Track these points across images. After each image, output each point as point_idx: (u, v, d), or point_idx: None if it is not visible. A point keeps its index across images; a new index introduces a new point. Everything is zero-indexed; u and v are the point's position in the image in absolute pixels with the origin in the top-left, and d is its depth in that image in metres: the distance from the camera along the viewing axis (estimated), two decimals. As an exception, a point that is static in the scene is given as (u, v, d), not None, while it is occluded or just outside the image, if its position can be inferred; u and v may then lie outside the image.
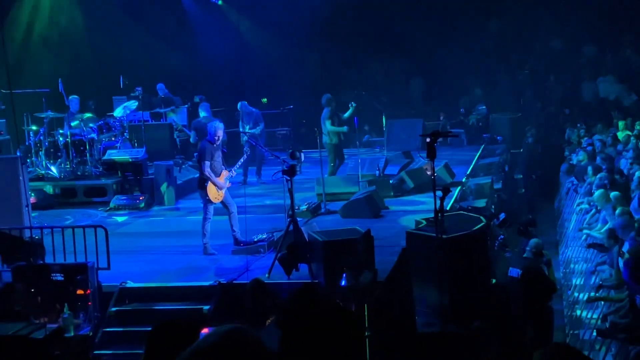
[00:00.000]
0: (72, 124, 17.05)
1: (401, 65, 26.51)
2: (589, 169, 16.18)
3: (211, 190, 11.63)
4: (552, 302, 11.09)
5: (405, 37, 25.97)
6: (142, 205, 15.53)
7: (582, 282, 12.61)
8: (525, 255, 11.09)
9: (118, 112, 18.02)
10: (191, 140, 17.06)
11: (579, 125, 21.80)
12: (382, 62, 26.71)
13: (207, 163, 11.60)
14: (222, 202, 11.79)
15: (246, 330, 1.95)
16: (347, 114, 16.74)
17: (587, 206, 14.82)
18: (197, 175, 12.28)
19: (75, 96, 17.75)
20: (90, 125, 17.06)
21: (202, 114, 16.97)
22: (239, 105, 17.90)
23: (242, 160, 12.83)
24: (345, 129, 16.65)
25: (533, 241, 11.15)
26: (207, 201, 11.71)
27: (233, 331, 1.95)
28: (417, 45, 25.98)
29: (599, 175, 15.30)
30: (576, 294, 12.46)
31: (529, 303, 10.31)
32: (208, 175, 11.58)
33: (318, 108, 17.16)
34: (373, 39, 25.94)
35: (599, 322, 10.22)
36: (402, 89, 26.74)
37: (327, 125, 16.40)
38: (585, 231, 13.70)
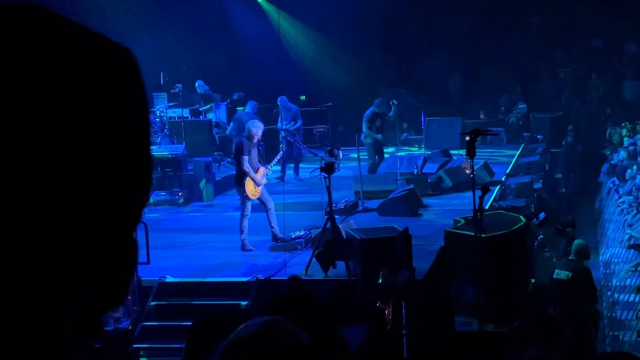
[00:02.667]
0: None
1: (440, 63, 26.37)
2: (632, 169, 15.98)
3: (249, 186, 11.67)
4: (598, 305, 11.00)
5: (444, 34, 25.84)
6: (182, 201, 15.65)
7: (622, 284, 12.47)
8: (570, 257, 10.92)
9: (158, 109, 18.19)
10: (227, 131, 16.98)
11: (622, 124, 21.50)
12: (421, 60, 26.60)
13: (246, 158, 11.63)
14: (259, 198, 11.83)
15: (285, 322, 1.96)
16: (392, 113, 16.72)
17: (627, 206, 14.64)
18: (235, 171, 12.32)
19: None
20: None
21: (247, 109, 16.99)
22: (278, 100, 17.91)
23: (278, 157, 12.87)
24: (379, 136, 16.61)
25: (576, 243, 10.95)
26: (245, 197, 11.75)
27: (272, 322, 1.96)
28: (457, 42, 25.81)
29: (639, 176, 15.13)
30: (616, 295, 12.32)
31: (577, 305, 10.19)
32: (247, 171, 11.61)
33: (356, 106, 17.15)
34: (412, 36, 25.84)
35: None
36: (441, 87, 26.60)
37: (364, 127, 16.40)
38: (627, 231, 13.54)
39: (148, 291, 10.27)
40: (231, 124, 16.91)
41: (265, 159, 12.61)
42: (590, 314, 10.23)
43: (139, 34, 21.93)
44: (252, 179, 11.66)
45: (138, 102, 1.02)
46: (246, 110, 16.70)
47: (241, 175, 11.70)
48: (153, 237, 11.05)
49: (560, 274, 10.42)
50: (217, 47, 23.59)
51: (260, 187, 11.81)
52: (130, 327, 9.73)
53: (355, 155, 14.82)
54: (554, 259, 12.30)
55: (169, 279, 10.55)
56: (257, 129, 11.90)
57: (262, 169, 11.90)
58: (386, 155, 17.30)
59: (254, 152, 11.91)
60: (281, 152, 13.11)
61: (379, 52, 25.50)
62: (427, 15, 25.77)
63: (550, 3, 26.71)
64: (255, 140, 11.89)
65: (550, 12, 26.80)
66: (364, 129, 16.40)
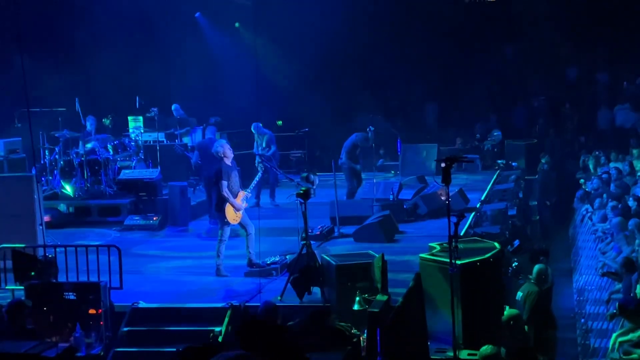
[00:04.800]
0: (88, 145, 17.11)
1: (416, 90, 26.54)
2: (604, 196, 16.11)
3: (229, 212, 11.61)
4: (555, 332, 11.05)
5: (420, 62, 26.03)
6: (156, 225, 15.54)
7: (596, 311, 12.51)
8: (531, 280, 11.03)
9: (133, 133, 18.12)
10: (192, 160, 16.87)
11: (597, 153, 21.68)
12: (397, 86, 26.75)
13: (225, 183, 11.58)
14: (240, 223, 11.77)
15: (251, 357, 1.97)
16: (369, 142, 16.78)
17: (601, 234, 14.73)
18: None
19: (92, 116, 17.83)
20: (106, 144, 17.14)
21: (208, 135, 16.89)
22: (252, 126, 17.90)
23: (256, 179, 12.79)
24: (358, 167, 16.66)
25: (537, 267, 11.09)
26: (225, 223, 11.68)
27: (239, 357, 1.98)
28: (433, 69, 26.02)
29: (611, 204, 15.24)
30: (590, 323, 12.36)
31: (533, 329, 10.31)
32: (226, 196, 11.56)
33: (333, 131, 17.17)
34: (388, 63, 26.00)
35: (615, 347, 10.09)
36: (417, 114, 26.75)
37: (344, 155, 16.43)
38: (601, 258, 13.61)
39: (121, 317, 10.16)
40: (195, 152, 16.73)
41: (242, 184, 12.56)
42: (534, 338, 10.26)
43: (115, 57, 21.89)
44: (232, 204, 11.60)
45: None
46: (208, 137, 16.56)
47: (221, 201, 11.64)
48: (126, 262, 10.97)
49: (518, 295, 10.60)
50: (194, 71, 23.58)
51: (240, 212, 11.76)
52: (102, 353, 9.61)
53: (332, 181, 14.83)
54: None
55: (142, 304, 10.45)
56: (223, 147, 11.87)
57: (241, 193, 11.85)
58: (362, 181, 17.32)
59: (234, 174, 11.86)
60: (259, 173, 13.04)
61: (356, 78, 25.63)
62: (403, 43, 25.95)
63: (525, 32, 27.00)
64: (230, 161, 11.85)
65: (524, 40, 27.08)
66: (344, 157, 16.44)
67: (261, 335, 5.62)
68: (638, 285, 10.93)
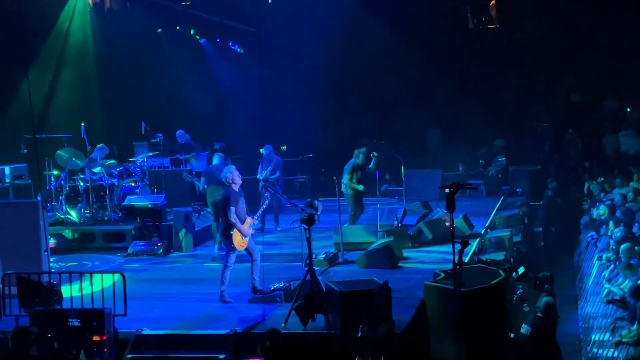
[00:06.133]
0: (95, 169, 17.16)
1: (420, 116, 26.62)
2: (607, 225, 16.08)
3: (236, 238, 11.64)
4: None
5: (424, 88, 26.14)
6: (160, 251, 15.55)
7: (601, 338, 12.45)
8: (538, 314, 10.95)
9: (138, 159, 18.18)
10: (200, 186, 16.90)
11: (601, 179, 21.67)
12: (400, 112, 26.85)
13: (233, 209, 11.61)
14: (245, 249, 11.79)
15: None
16: (371, 165, 16.76)
17: (606, 261, 14.69)
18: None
19: (103, 145, 17.82)
20: (112, 170, 17.20)
21: (215, 161, 16.95)
22: (264, 148, 17.87)
23: (264, 206, 12.81)
24: (361, 187, 16.57)
25: (544, 300, 11.00)
26: (231, 249, 11.70)
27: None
28: (436, 95, 26.12)
29: (618, 229, 15.19)
30: (595, 350, 12.30)
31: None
32: (234, 222, 11.58)
33: (337, 156, 17.19)
34: (392, 88, 26.11)
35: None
36: (420, 139, 26.81)
37: (345, 178, 16.40)
38: (606, 285, 13.57)
39: (125, 344, 10.14)
40: (202, 178, 16.77)
41: (248, 209, 12.59)
42: None
43: (118, 83, 22.06)
44: (240, 231, 11.63)
45: None
46: (215, 163, 16.63)
47: (228, 227, 11.66)
48: (131, 288, 10.97)
49: (523, 328, 10.50)
50: (198, 97, 23.71)
51: (247, 238, 11.78)
52: (106, 380, 9.60)
53: (336, 207, 14.84)
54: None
55: (146, 331, 10.43)
56: (232, 173, 11.92)
57: (248, 220, 11.89)
58: (365, 206, 17.28)
59: (242, 201, 11.90)
60: (267, 200, 13.07)
61: (359, 103, 25.75)
62: (406, 69, 26.06)
63: (528, 58, 27.13)
64: (238, 187, 11.89)
65: (527, 66, 27.19)
66: (345, 180, 16.41)
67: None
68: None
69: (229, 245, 11.74)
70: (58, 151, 17.12)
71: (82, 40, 22.17)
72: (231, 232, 11.62)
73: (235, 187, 11.86)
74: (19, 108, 16.90)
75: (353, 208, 16.55)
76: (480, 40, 27.34)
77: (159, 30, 23.74)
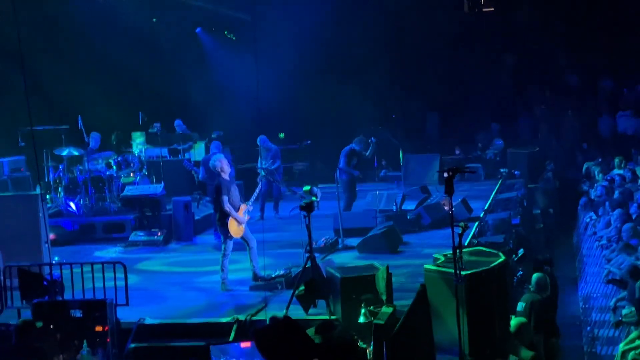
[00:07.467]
0: (92, 160, 17.16)
1: (417, 100, 26.59)
2: (604, 206, 16.11)
3: (232, 225, 11.66)
4: (558, 340, 11.06)
5: (421, 72, 26.10)
6: (160, 241, 15.57)
7: (601, 319, 12.50)
8: (531, 289, 11.03)
9: (136, 149, 18.16)
10: (199, 177, 16.88)
11: (599, 160, 21.68)
12: (398, 97, 26.81)
13: (226, 198, 11.64)
14: (242, 237, 11.82)
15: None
16: (369, 151, 16.76)
17: (606, 242, 14.72)
18: (212, 211, 12.26)
19: (97, 133, 17.88)
20: (110, 161, 17.19)
21: (212, 150, 16.93)
22: (258, 139, 17.89)
23: (257, 192, 12.81)
24: (357, 173, 16.59)
25: (535, 276, 11.08)
26: (227, 237, 11.73)
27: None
28: (433, 79, 26.07)
29: (617, 210, 15.22)
30: (595, 330, 12.35)
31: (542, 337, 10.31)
32: (228, 211, 11.61)
33: (335, 143, 17.19)
34: (389, 73, 26.06)
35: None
36: (418, 124, 26.79)
37: (342, 162, 16.38)
38: (605, 266, 13.61)
39: (127, 333, 10.17)
40: (201, 168, 16.75)
41: (245, 197, 12.61)
42: (541, 346, 10.27)
43: (117, 72, 21.98)
44: (235, 218, 11.66)
45: None
46: (212, 152, 16.60)
47: (223, 216, 11.69)
48: (132, 278, 11.01)
49: (519, 306, 10.57)
50: (195, 86, 23.66)
51: (243, 225, 11.81)
52: (109, 370, 9.64)
53: (335, 193, 14.85)
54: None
55: (148, 320, 10.46)
56: (221, 161, 11.92)
57: (243, 206, 11.91)
58: (363, 191, 17.27)
59: (234, 188, 11.92)
60: (259, 186, 13.08)
61: (356, 89, 25.69)
62: (403, 53, 26.02)
63: (524, 40, 27.07)
64: (228, 175, 11.90)
65: (524, 49, 27.14)
66: (342, 164, 16.41)
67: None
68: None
69: (225, 234, 11.77)
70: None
71: (77, 30, 22.08)
72: (226, 221, 11.64)
73: (225, 176, 11.87)
74: (15, 100, 16.83)
75: (347, 194, 16.51)
76: (476, 24, 27.26)
77: (154, 19, 23.66)
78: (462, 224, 8.80)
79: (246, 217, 11.92)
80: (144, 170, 18.06)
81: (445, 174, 8.61)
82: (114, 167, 17.36)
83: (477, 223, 15.36)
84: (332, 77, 25.38)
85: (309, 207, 10.82)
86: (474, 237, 14.17)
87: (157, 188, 16.64)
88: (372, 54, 26.05)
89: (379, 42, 25.92)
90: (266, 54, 25.00)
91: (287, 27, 24.69)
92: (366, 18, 25.64)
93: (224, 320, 10.32)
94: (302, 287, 10.28)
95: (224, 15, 25.23)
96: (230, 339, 9.76)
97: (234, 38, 25.22)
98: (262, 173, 16.66)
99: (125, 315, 10.34)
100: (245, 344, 7.85)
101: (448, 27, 26.01)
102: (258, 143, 17.90)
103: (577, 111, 26.12)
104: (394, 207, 16.12)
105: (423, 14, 26.29)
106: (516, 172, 21.98)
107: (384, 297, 9.83)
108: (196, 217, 16.62)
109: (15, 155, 17.98)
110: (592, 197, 18.50)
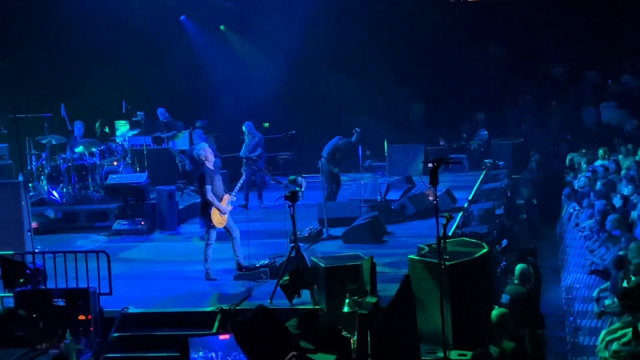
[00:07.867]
0: (76, 149, 17.06)
1: (402, 90, 26.57)
2: (589, 197, 16.17)
3: (215, 215, 11.63)
4: (543, 331, 11.10)
5: (406, 62, 26.07)
6: (144, 230, 15.52)
7: (584, 309, 12.57)
8: (515, 281, 11.05)
9: (119, 137, 18.07)
10: (187, 167, 16.83)
11: (584, 150, 21.76)
12: (383, 87, 26.78)
13: (209, 187, 11.60)
14: (225, 227, 11.79)
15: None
16: (353, 139, 16.75)
17: (589, 232, 14.78)
18: (199, 200, 12.25)
19: (80, 121, 17.78)
20: (93, 149, 17.09)
21: (195, 138, 16.89)
22: (244, 125, 17.80)
23: (240, 182, 12.78)
24: (336, 170, 16.62)
25: (518, 267, 11.09)
26: (210, 227, 11.70)
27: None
28: (418, 69, 26.07)
29: (600, 201, 15.28)
30: (578, 321, 12.42)
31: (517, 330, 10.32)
32: (211, 200, 11.58)
33: (320, 133, 17.15)
34: (374, 63, 26.03)
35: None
36: (403, 114, 26.78)
37: (325, 156, 16.38)
38: (588, 256, 13.68)
39: (110, 322, 10.15)
40: (188, 158, 16.74)
41: (229, 187, 12.57)
42: (527, 338, 10.30)
43: (100, 61, 21.84)
44: (217, 208, 11.62)
45: None
46: (195, 141, 16.58)
47: (206, 205, 11.66)
48: (115, 267, 10.97)
49: (503, 298, 10.59)
50: (179, 75, 23.55)
51: (226, 215, 11.78)
52: (92, 359, 9.60)
53: (319, 183, 14.83)
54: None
55: (132, 309, 10.44)
56: (205, 150, 11.86)
57: (226, 197, 11.87)
58: (348, 181, 17.28)
59: (218, 178, 11.88)
60: (243, 176, 13.05)
61: (341, 79, 25.65)
62: (388, 43, 25.98)
63: (510, 30, 27.09)
64: (212, 164, 11.86)
65: (509, 39, 27.17)
66: (324, 160, 16.37)
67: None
68: (624, 282, 10.99)
69: (208, 224, 11.74)
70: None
71: (61, 18, 21.92)
72: (209, 210, 11.61)
73: (210, 165, 11.82)
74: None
75: (329, 184, 16.51)
76: (461, 14, 27.25)
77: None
78: (446, 214, 8.83)
79: (229, 207, 11.88)
80: (127, 159, 17.97)
81: (430, 165, 8.62)
82: (97, 155, 17.24)
83: (461, 213, 15.39)
84: (317, 67, 25.33)
85: (293, 197, 10.81)
86: (458, 227, 14.21)
87: (141, 177, 16.58)
88: (357, 45, 26.00)
89: (364, 33, 25.87)
90: (252, 43, 24.94)
91: (273, 16, 24.61)
92: (352, 9, 25.59)
93: (208, 309, 10.30)
94: (286, 277, 10.28)
95: (210, 3, 25.08)
96: (214, 329, 9.76)
97: (222, 28, 25.07)
98: (244, 161, 16.65)
99: (109, 304, 10.32)
100: (224, 336, 7.84)
101: (434, 17, 26.00)
102: (244, 129, 17.83)
103: (561, 102, 26.20)
104: (379, 197, 16.13)
105: (409, 5, 26.26)
106: (500, 163, 22.04)
107: (368, 287, 9.84)
108: (180, 206, 16.57)
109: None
110: (576, 188, 18.57)
